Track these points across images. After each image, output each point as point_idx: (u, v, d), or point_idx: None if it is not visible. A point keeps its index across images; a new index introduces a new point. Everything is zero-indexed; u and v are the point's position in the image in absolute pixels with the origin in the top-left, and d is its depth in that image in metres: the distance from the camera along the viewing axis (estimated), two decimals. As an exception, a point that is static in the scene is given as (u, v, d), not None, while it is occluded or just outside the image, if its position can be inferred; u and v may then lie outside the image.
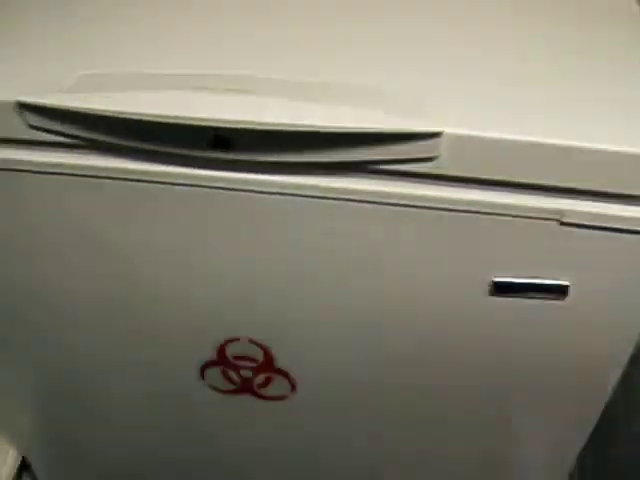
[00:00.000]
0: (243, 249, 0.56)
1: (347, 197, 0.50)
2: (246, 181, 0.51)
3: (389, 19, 0.57)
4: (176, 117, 0.45)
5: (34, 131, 0.51)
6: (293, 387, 0.69)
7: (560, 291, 0.54)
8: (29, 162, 0.53)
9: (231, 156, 0.48)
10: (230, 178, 0.50)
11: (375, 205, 0.50)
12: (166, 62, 0.52)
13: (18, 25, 0.57)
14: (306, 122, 0.44)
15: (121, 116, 0.46)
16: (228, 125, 0.45)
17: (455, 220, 0.51)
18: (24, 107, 0.49)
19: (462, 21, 0.57)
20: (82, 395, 0.77)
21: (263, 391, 0.70)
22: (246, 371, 0.68)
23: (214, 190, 0.51)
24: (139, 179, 0.52)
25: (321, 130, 0.44)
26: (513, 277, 0.55)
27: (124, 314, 0.64)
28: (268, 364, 0.66)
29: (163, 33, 0.56)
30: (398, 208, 0.50)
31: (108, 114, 0.46)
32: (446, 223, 0.51)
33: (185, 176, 0.51)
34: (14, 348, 0.72)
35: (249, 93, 0.46)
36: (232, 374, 0.69)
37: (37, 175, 0.54)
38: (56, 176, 0.53)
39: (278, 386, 0.69)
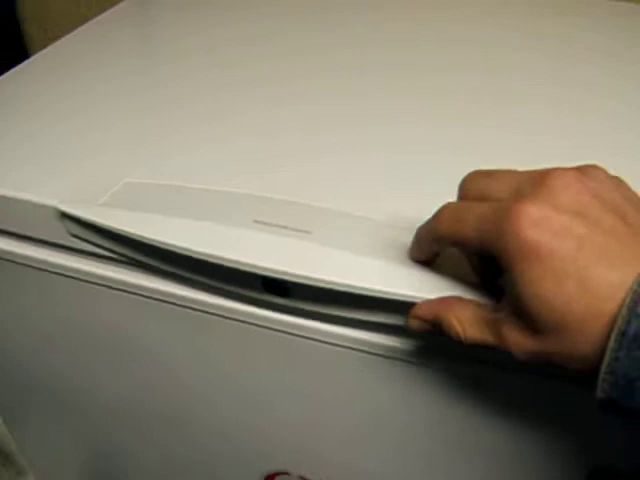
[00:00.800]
0: (296, 393, 0.47)
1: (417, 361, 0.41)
2: (306, 329, 0.42)
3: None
4: (227, 260, 0.37)
5: (74, 239, 0.45)
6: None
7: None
8: (69, 268, 0.47)
9: (284, 302, 0.40)
10: (285, 322, 0.42)
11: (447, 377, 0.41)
12: (214, 172, 0.45)
13: (71, 119, 0.52)
14: (398, 291, 0.35)
15: (162, 247, 0.39)
16: (285, 277, 0.37)
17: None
18: (64, 215, 0.43)
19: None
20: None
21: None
22: (295, 505, 0.59)
23: (265, 330, 0.43)
24: (183, 305, 0.45)
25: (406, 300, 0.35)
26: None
27: (164, 431, 0.57)
28: (320, 503, 0.57)
29: (215, 141, 0.49)
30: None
31: (148, 242, 0.39)
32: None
33: (234, 311, 0.43)
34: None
35: (305, 236, 0.37)
36: (280, 504, 0.60)
37: (76, 281, 0.48)
38: (92, 285, 0.47)
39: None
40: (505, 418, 0.43)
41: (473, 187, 0.31)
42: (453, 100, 0.52)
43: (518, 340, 0.29)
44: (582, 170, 0.29)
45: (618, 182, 0.30)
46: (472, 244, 0.30)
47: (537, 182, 0.28)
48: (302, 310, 0.40)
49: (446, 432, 0.45)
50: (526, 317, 0.28)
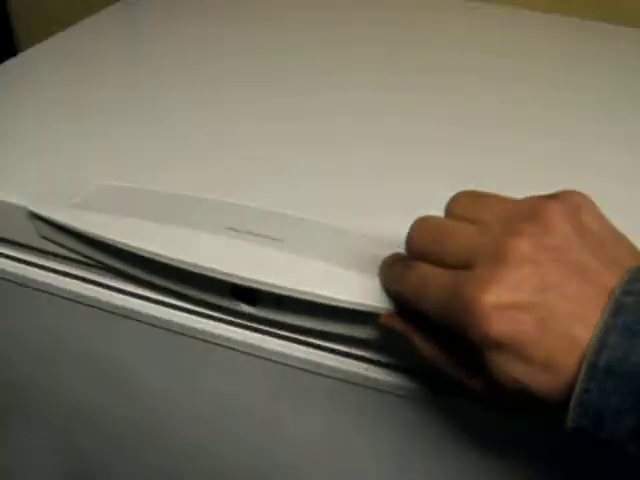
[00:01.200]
0: (275, 418, 0.46)
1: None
2: (287, 356, 0.41)
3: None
4: (194, 265, 0.37)
5: (44, 240, 0.44)
6: None
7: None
8: (42, 283, 0.46)
9: (252, 311, 0.39)
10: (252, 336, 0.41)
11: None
12: (185, 176, 0.44)
13: (48, 118, 0.51)
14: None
15: (131, 250, 0.38)
16: (253, 285, 0.36)
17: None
18: (34, 216, 0.42)
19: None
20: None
21: None
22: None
23: (244, 354, 0.42)
24: (159, 325, 0.44)
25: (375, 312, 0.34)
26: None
27: (144, 446, 0.56)
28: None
29: (193, 146, 0.48)
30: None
31: (116, 245, 0.38)
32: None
33: (200, 322, 0.42)
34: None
35: (276, 244, 0.36)
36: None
37: (53, 297, 0.47)
38: (69, 301, 0.46)
39: None
40: (487, 450, 0.42)
41: (425, 251, 0.30)
42: (438, 119, 0.52)
43: (481, 388, 0.29)
44: (539, 224, 0.27)
45: (580, 221, 0.27)
46: (436, 321, 0.29)
47: (492, 258, 0.27)
48: (270, 320, 0.40)
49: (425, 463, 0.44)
50: (494, 385, 0.28)
